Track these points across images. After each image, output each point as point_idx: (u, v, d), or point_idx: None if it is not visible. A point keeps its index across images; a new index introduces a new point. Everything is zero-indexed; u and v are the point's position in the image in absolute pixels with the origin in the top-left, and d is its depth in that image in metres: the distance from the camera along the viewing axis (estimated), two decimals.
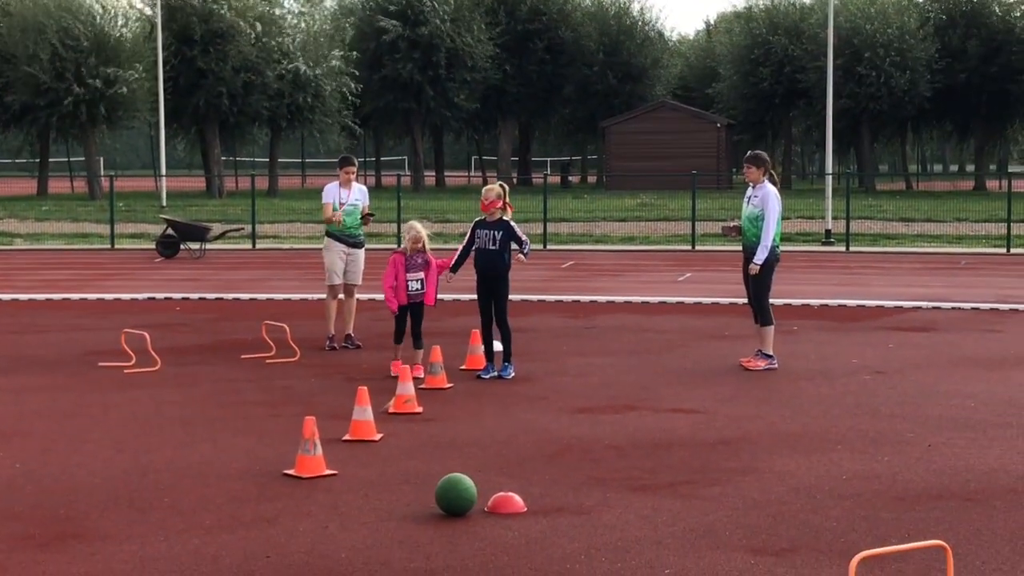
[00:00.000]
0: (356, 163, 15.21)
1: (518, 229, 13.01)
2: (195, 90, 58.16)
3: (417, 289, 12.94)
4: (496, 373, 12.89)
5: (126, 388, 12.40)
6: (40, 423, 10.76)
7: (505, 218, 12.99)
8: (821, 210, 34.21)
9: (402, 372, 11.34)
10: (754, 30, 66.20)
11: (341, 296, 15.01)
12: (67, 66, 53.22)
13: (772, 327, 13.51)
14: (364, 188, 15.26)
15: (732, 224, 14.40)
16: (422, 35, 63.91)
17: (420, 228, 13.06)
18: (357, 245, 15.02)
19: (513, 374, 12.92)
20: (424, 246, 13.01)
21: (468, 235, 13.20)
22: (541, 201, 33.64)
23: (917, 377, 12.99)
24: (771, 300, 13.72)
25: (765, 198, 13.40)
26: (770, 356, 13.45)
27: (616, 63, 69.26)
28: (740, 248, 14.10)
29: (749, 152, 14.01)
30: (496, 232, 12.90)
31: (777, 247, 13.53)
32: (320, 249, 15.93)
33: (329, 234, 14.97)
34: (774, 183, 13.64)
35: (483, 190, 13.22)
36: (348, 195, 14.86)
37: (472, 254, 13.13)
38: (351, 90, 61.57)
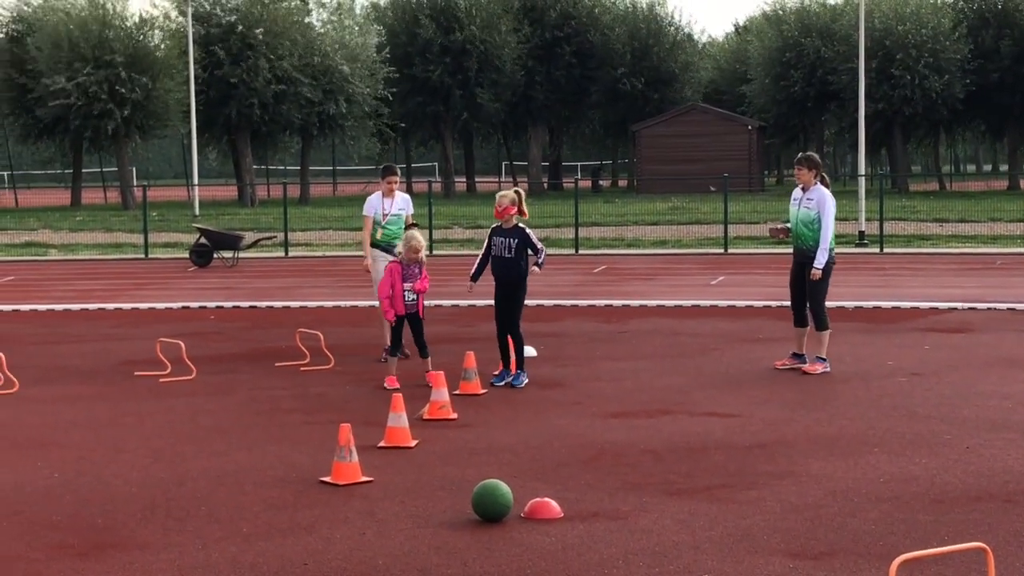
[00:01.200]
0: (399, 172, 15.01)
1: (534, 236, 12.89)
2: (227, 100, 58.43)
3: (414, 299, 12.75)
4: (508, 381, 12.74)
5: (162, 397, 12.45)
6: (77, 433, 10.82)
7: (521, 225, 12.86)
8: (855, 211, 34.09)
9: (435, 379, 11.33)
10: (785, 32, 66.00)
11: None
12: (101, 79, 53.49)
13: (828, 331, 13.46)
14: (407, 197, 14.97)
15: (780, 226, 14.10)
16: (455, 40, 64.05)
17: (421, 238, 12.87)
18: None
19: (526, 382, 12.75)
20: (422, 257, 12.78)
21: (485, 243, 13.04)
22: (572, 206, 33.62)
23: (953, 378, 12.91)
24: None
25: (821, 201, 13.24)
26: (825, 360, 13.38)
27: (646, 67, 69.15)
28: (776, 250, 13.99)
29: (801, 154, 13.83)
30: (512, 240, 12.76)
31: (833, 250, 13.44)
32: (357, 256, 15.89)
33: (375, 245, 14.68)
34: (826, 185, 13.50)
35: (496, 196, 13.04)
36: (391, 205, 14.65)
37: (489, 262, 13.01)
38: (385, 93, 61.70)
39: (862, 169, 35.23)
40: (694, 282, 23.91)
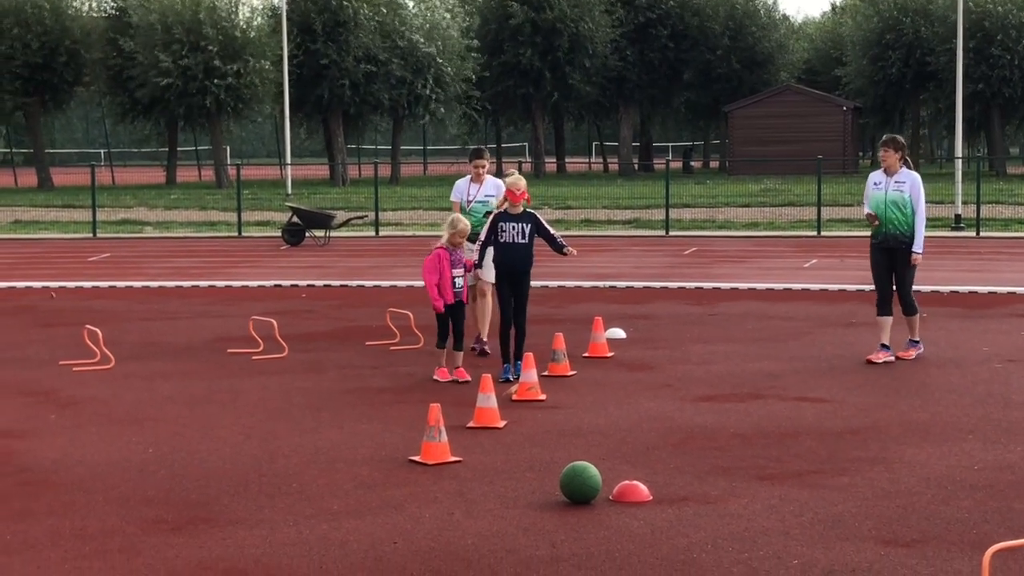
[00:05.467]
0: (487, 155, 13.94)
1: (545, 221, 12.34)
2: (319, 80, 58.83)
3: (461, 286, 12.10)
4: (513, 376, 11.94)
5: (254, 374, 12.59)
6: (171, 408, 10.98)
7: (530, 209, 12.20)
8: (951, 195, 33.57)
9: (525, 359, 11.33)
10: (883, 12, 65.05)
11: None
12: (195, 63, 54.09)
13: (919, 315, 13.27)
14: (499, 183, 13.52)
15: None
16: (546, 20, 63.97)
17: (466, 221, 12.28)
18: None
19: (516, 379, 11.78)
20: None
21: (487, 228, 12.22)
22: (663, 187, 33.45)
23: None
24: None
25: (914, 184, 12.89)
26: (918, 342, 13.21)
27: (740, 48, 68.55)
28: (869, 234, 13.60)
29: (887, 136, 13.34)
30: (524, 224, 12.06)
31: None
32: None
33: None
34: (910, 167, 13.14)
35: (509, 180, 12.24)
36: (478, 191, 13.65)
37: (492, 249, 12.27)
38: (472, 73, 61.81)
39: (959, 151, 34.68)
40: (786, 265, 23.70)
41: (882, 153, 13.18)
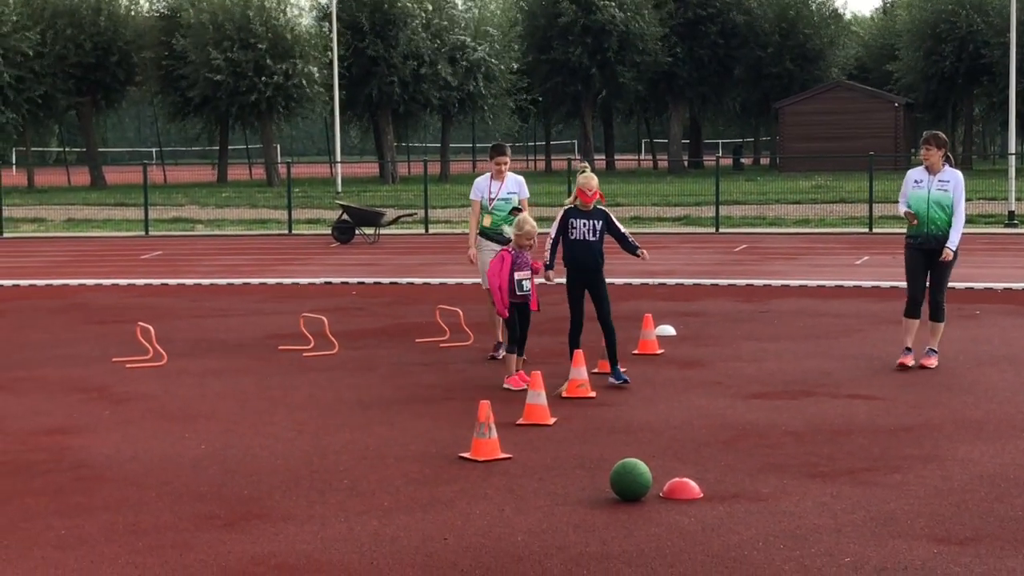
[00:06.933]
0: (508, 152, 13.40)
1: (616, 219, 11.85)
2: (368, 79, 59.01)
3: (528, 290, 11.60)
4: (619, 380, 11.65)
5: (305, 371, 12.65)
6: (223, 405, 11.05)
7: (600, 206, 11.74)
8: (1004, 191, 33.21)
9: (575, 356, 11.31)
10: (937, 4, 64.49)
11: None
12: (246, 60, 54.36)
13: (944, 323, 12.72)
14: (521, 179, 13.30)
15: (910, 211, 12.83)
16: (595, 20, 63.91)
17: (533, 222, 11.72)
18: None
19: (627, 380, 11.68)
20: (535, 243, 11.71)
21: (557, 225, 11.74)
22: (713, 184, 33.33)
23: None
24: (953, 284, 13.11)
25: (958, 183, 12.37)
26: (936, 352, 12.59)
27: (791, 45, 68.22)
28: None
29: (928, 132, 12.78)
30: (595, 221, 11.63)
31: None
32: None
33: (481, 232, 13.21)
34: (953, 165, 12.64)
35: (581, 179, 11.70)
36: (499, 188, 13.10)
37: (561, 247, 11.76)
38: (519, 69, 61.86)
39: (1012, 148, 34.36)
40: (838, 262, 23.55)
41: (923, 151, 12.52)
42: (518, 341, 11.68)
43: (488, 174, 13.29)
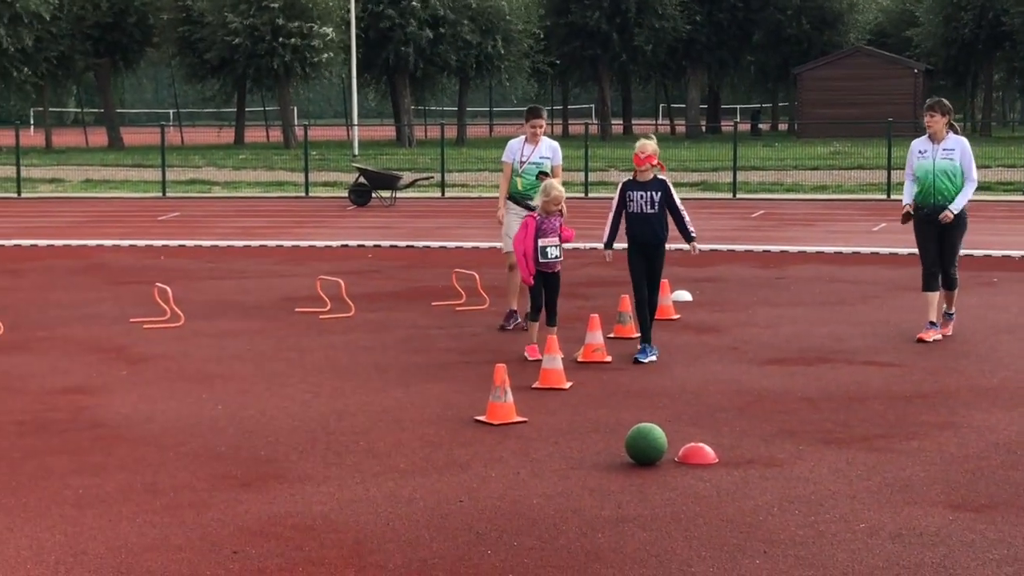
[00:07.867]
0: (544, 115, 13.10)
1: (676, 194, 11.37)
2: (385, 42, 58.85)
3: (555, 256, 11.23)
4: (652, 356, 11.23)
5: (322, 333, 12.68)
6: (240, 366, 11.08)
7: (660, 176, 11.33)
8: (1022, 158, 33.09)
9: (591, 321, 11.30)
10: None
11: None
12: (262, 23, 54.25)
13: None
14: (555, 145, 12.97)
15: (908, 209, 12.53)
16: None
17: (560, 187, 11.35)
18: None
19: (653, 358, 11.23)
20: (563, 209, 11.31)
21: (616, 199, 11.33)
22: (731, 149, 33.21)
23: None
24: (971, 251, 13.06)
25: (965, 150, 12.14)
26: (954, 315, 12.47)
27: (810, 8, 67.81)
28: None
29: (932, 99, 12.52)
30: (654, 193, 11.16)
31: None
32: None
33: (510, 195, 12.92)
34: (957, 132, 12.33)
35: (638, 144, 11.29)
36: (531, 152, 12.78)
37: (623, 221, 11.33)
38: (538, 31, 61.63)
39: None
40: (855, 228, 23.48)
41: (927, 118, 12.19)
42: (546, 309, 11.35)
43: (523, 137, 12.92)
